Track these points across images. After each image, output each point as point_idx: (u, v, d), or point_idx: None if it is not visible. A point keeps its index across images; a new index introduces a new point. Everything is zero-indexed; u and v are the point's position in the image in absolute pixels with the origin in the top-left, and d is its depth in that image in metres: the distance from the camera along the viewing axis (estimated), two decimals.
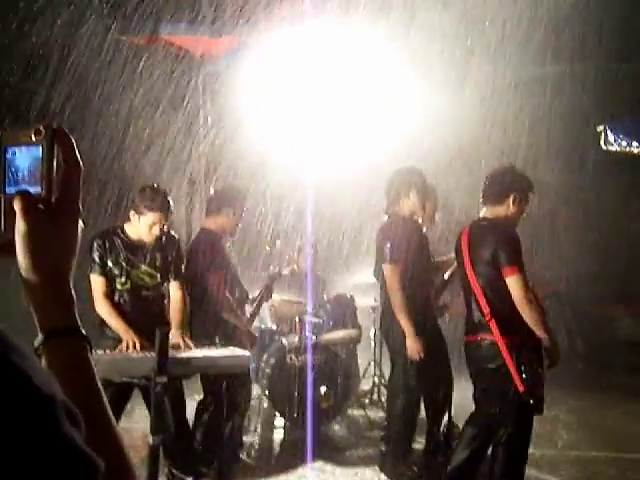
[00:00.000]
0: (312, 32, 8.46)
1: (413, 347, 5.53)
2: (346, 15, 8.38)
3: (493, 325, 4.46)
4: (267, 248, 8.78)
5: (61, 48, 7.58)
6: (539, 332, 4.41)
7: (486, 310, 4.51)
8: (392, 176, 5.96)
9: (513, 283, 4.41)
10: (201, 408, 5.70)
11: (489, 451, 4.69)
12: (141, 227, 4.98)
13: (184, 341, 4.90)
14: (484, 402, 4.67)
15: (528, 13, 8.33)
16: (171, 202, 5.08)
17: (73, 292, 1.08)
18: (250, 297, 6.33)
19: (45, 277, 1.05)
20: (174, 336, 4.83)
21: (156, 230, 4.97)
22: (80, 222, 1.09)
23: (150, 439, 4.02)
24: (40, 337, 1.04)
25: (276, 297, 7.52)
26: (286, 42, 8.56)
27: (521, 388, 4.34)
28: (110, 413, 1.02)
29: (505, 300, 4.46)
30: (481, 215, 4.76)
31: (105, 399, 1.03)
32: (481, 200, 4.80)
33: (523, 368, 4.35)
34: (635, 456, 6.53)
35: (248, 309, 6.29)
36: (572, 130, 10.01)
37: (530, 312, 4.40)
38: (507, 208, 4.66)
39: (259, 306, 6.44)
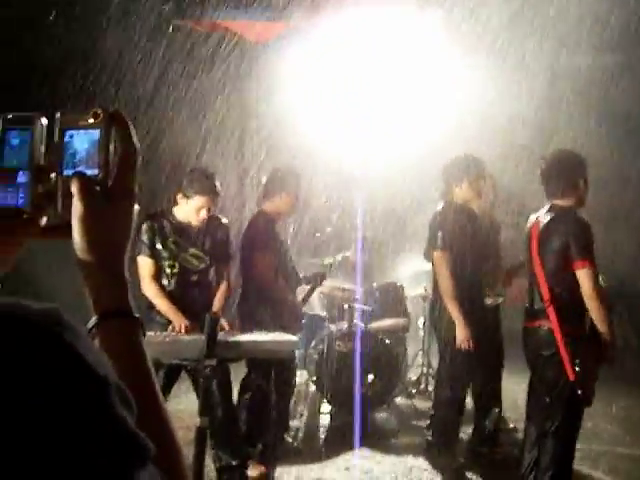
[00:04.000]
0: (363, 18, 8.41)
1: (462, 335, 5.51)
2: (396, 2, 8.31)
3: (552, 312, 4.42)
4: (317, 235, 8.79)
5: (115, 32, 7.64)
6: (602, 327, 4.34)
7: (546, 297, 4.46)
8: (447, 164, 5.93)
9: (584, 276, 4.34)
10: (244, 386, 5.75)
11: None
12: (189, 210, 5.02)
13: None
14: (537, 390, 4.62)
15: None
16: (218, 185, 5.10)
17: (127, 275, 1.09)
18: (302, 277, 6.37)
19: (100, 259, 1.06)
20: None
21: (203, 214, 5.00)
22: (136, 205, 1.10)
23: (198, 421, 4.05)
24: (94, 319, 1.05)
25: (326, 283, 7.54)
26: (338, 27, 8.52)
27: (571, 376, 4.29)
28: (161, 396, 1.03)
29: (568, 290, 4.41)
30: (549, 204, 4.65)
31: (156, 382, 1.04)
32: (546, 193, 4.69)
33: (576, 359, 4.30)
34: None
35: (300, 292, 6.33)
36: (631, 119, 9.81)
37: (597, 306, 4.33)
38: (576, 193, 4.58)
39: (312, 291, 6.45)
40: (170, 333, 4.71)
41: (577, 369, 4.28)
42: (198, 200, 4.97)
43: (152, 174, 7.85)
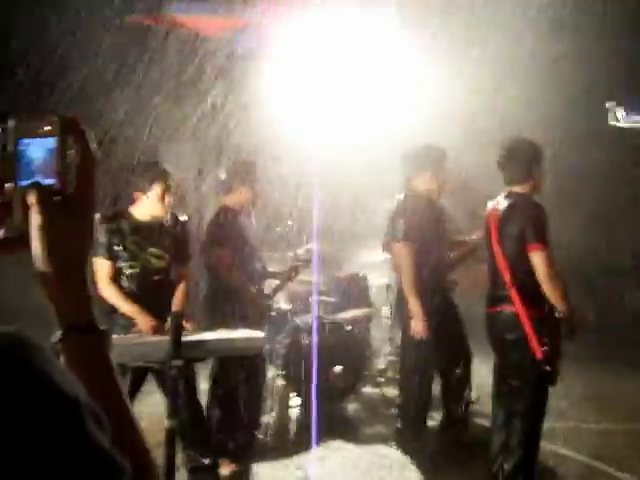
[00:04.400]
0: (322, 10, 8.38)
1: (416, 327, 5.54)
2: None
3: (514, 295, 4.48)
4: (278, 229, 8.77)
5: (69, 30, 7.53)
6: (560, 307, 4.41)
7: (508, 279, 4.51)
8: (408, 154, 5.94)
9: (537, 258, 4.42)
10: (214, 383, 5.74)
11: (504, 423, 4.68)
12: (152, 204, 4.94)
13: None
14: (504, 374, 4.67)
15: None
16: (168, 168, 5.05)
17: (90, 286, 1.06)
18: (270, 271, 6.36)
19: (61, 271, 1.03)
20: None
21: (168, 199, 4.93)
22: (96, 215, 1.07)
23: (166, 422, 4.01)
24: (58, 333, 1.02)
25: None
26: (294, 21, 8.48)
27: (539, 354, 4.35)
28: (131, 409, 1.01)
29: (528, 273, 4.47)
30: (507, 190, 4.71)
31: (126, 395, 1.01)
32: (503, 180, 4.75)
33: (543, 338, 4.36)
34: None
35: (268, 284, 6.32)
36: (583, 106, 9.95)
37: (553, 288, 4.41)
38: (531, 180, 4.64)
39: (281, 286, 6.45)
40: (135, 335, 4.65)
41: (544, 348, 4.34)
42: (156, 188, 4.90)
43: (111, 175, 7.76)
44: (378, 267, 7.85)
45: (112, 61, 8.20)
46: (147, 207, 4.97)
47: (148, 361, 4.31)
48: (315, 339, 6.91)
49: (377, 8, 8.38)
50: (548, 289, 4.39)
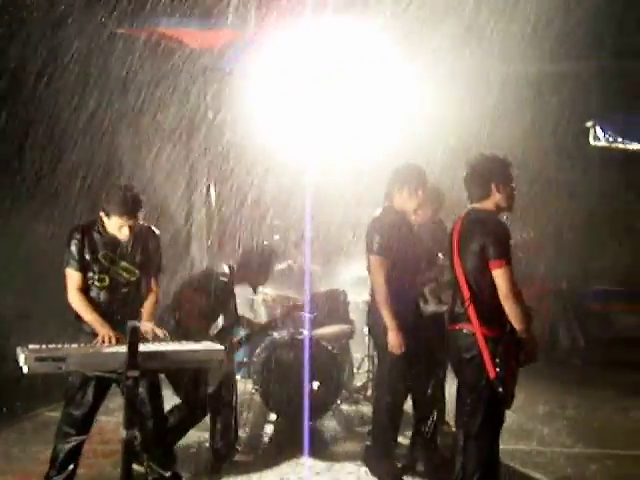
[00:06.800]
0: (314, 29, 8.42)
1: (394, 342, 5.51)
2: (348, 13, 8.33)
3: (472, 312, 4.41)
4: (264, 242, 8.79)
5: (54, 43, 7.56)
6: (518, 327, 4.36)
7: (466, 296, 4.46)
8: (392, 171, 5.95)
9: (499, 276, 4.36)
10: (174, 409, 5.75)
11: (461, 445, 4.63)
12: (111, 227, 4.93)
13: (152, 329, 4.85)
14: (461, 394, 4.63)
15: (522, 11, 8.29)
16: (141, 202, 4.94)
17: None
18: None
19: None
20: (143, 325, 4.82)
21: (125, 231, 4.87)
22: None
23: (123, 433, 4.01)
24: None
25: (269, 292, 7.53)
26: (288, 38, 8.52)
27: (492, 374, 4.30)
28: None
29: (487, 291, 4.41)
30: (471, 207, 4.70)
31: None
32: (468, 196, 4.74)
33: (497, 359, 4.31)
34: (620, 452, 6.49)
35: None
36: (563, 127, 9.96)
37: (513, 306, 4.34)
38: (493, 198, 4.61)
39: None
40: (93, 345, 4.64)
41: (497, 369, 4.29)
42: (115, 220, 4.87)
43: (95, 190, 7.78)
44: (359, 283, 7.85)
45: (98, 72, 8.23)
46: (111, 227, 4.96)
47: (105, 371, 4.31)
48: (292, 355, 6.91)
49: (370, 31, 8.42)
50: (508, 307, 4.34)
